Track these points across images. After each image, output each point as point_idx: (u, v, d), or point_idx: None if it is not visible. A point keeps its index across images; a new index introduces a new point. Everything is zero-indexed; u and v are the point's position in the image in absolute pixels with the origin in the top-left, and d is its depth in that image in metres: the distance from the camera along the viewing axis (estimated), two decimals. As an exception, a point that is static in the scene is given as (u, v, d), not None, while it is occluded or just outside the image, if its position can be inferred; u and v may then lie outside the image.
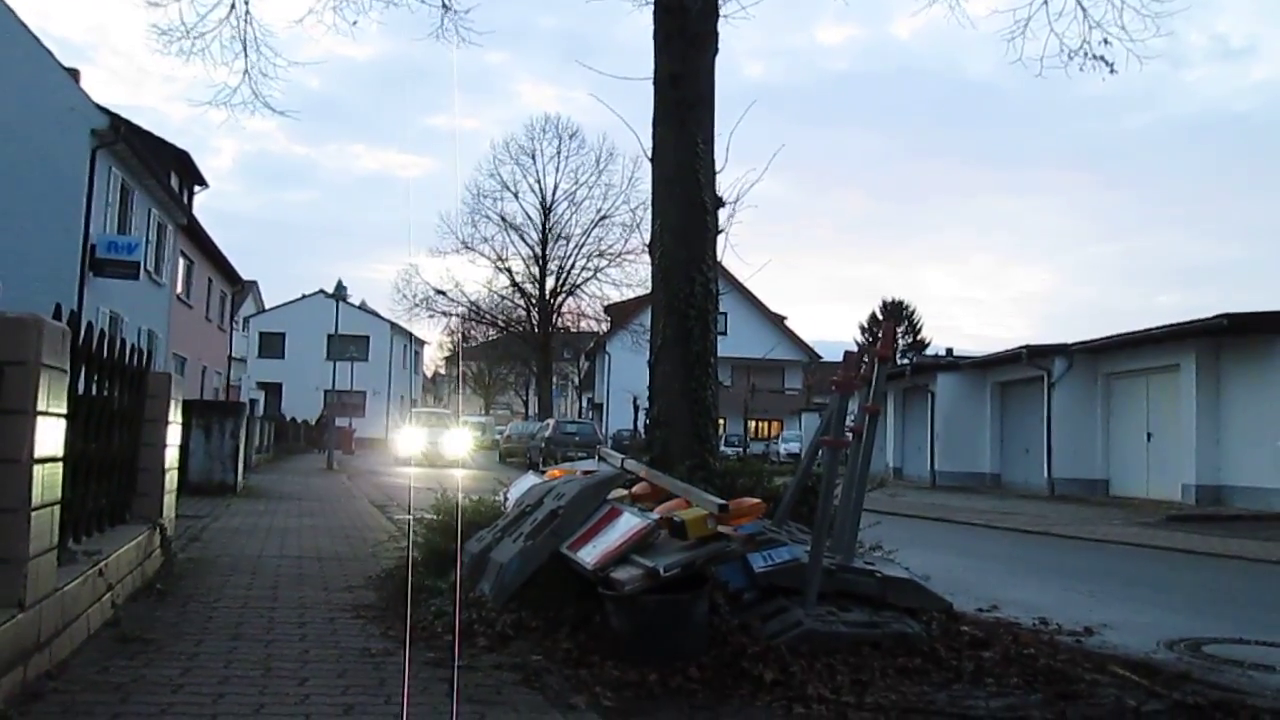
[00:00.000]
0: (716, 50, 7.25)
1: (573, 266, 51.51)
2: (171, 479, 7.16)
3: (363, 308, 61.97)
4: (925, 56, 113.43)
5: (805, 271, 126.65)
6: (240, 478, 16.15)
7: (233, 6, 9.72)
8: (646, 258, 7.51)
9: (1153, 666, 4.98)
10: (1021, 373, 25.13)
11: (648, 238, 7.39)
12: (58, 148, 20.17)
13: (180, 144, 29.93)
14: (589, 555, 5.00)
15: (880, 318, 65.02)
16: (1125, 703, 4.17)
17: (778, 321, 59.26)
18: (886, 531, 6.54)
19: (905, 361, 33.30)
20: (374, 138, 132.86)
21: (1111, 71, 8.80)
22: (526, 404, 77.17)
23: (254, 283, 59.50)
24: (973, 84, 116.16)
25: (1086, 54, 8.89)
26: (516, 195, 51.22)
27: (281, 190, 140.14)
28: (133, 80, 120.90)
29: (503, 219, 50.80)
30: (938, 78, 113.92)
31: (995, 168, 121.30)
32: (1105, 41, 8.83)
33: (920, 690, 4.30)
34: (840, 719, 3.89)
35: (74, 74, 22.24)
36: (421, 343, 70.17)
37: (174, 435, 7.10)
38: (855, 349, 6.08)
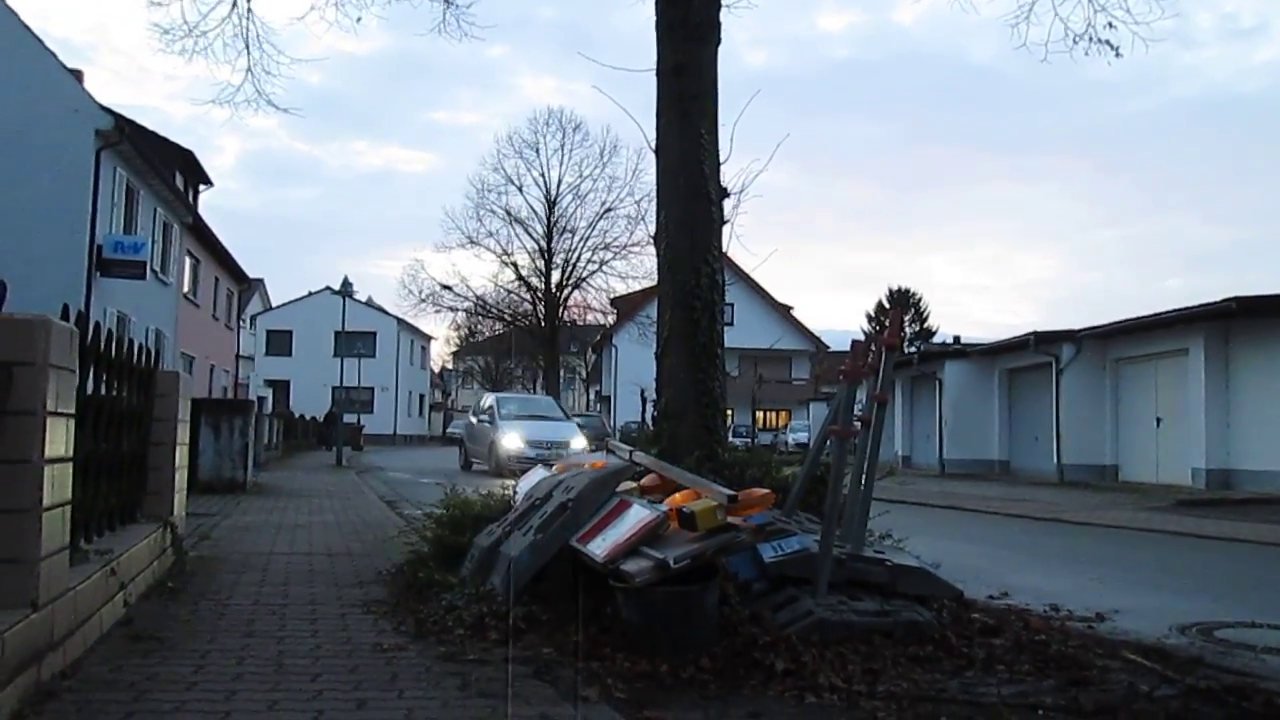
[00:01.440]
0: (719, 40, 7.23)
1: (578, 259, 51.52)
2: (181, 477, 7.18)
3: (369, 304, 62.12)
4: (928, 42, 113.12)
5: (811, 261, 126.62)
6: (250, 475, 16.19)
7: (234, 4, 9.76)
8: (652, 250, 7.52)
9: (1165, 651, 4.97)
10: (1030, 359, 25.09)
11: (653, 229, 7.38)
12: (62, 149, 20.24)
13: (183, 143, 29.95)
14: (599, 548, 5.00)
15: (887, 306, 64.96)
16: (1138, 688, 4.16)
17: (784, 311, 59.25)
18: (896, 520, 6.53)
19: (913, 350, 33.27)
20: (377, 133, 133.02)
21: (1117, 55, 8.80)
22: (534, 398, 77.20)
23: (260, 281, 59.65)
24: (976, 70, 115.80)
25: (1091, 38, 8.88)
26: (521, 189, 51.23)
27: (285, 187, 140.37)
28: (133, 80, 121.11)
29: (507, 213, 50.81)
30: (940, 64, 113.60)
31: (999, 153, 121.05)
32: (1110, 25, 8.81)
33: (932, 678, 4.30)
34: (852, 708, 3.89)
35: (77, 75, 22.29)
36: (428, 338, 70.33)
37: (183, 434, 7.12)
38: (862, 338, 6.07)
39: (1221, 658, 5.04)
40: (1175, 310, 20.15)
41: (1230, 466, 18.97)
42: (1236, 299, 18.29)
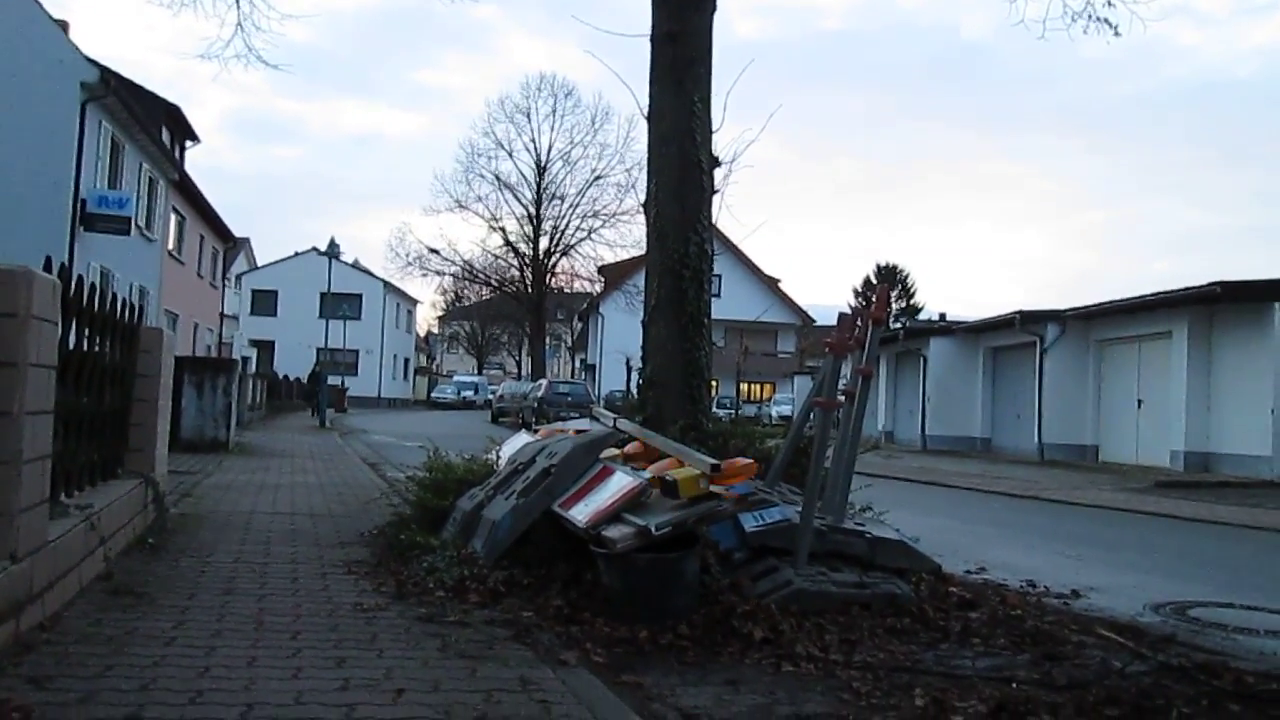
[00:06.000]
0: (714, 8, 7.17)
1: (567, 226, 51.51)
2: (164, 434, 7.15)
3: (356, 266, 61.75)
4: (921, 15, 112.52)
5: (799, 234, 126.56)
6: (232, 435, 16.15)
7: (224, -43, 9.60)
8: (641, 218, 7.50)
9: (1138, 629, 5.03)
10: (1014, 338, 25.16)
11: (643, 198, 7.35)
12: (47, 101, 19.93)
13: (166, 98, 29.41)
14: (581, 513, 5.02)
15: (874, 281, 64.99)
16: (1110, 664, 4.21)
17: (771, 284, 59.19)
18: (877, 494, 6.58)
19: (898, 326, 33.33)
20: (364, 92, 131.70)
21: (1115, 34, 8.75)
22: (519, 364, 77.28)
23: (246, 240, 59.17)
24: (969, 45, 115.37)
25: (1090, 16, 8.84)
26: (511, 154, 51.10)
27: (270, 145, 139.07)
28: (114, 31, 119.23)
29: (497, 178, 50.70)
30: (934, 37, 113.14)
31: (991, 131, 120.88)
32: (1109, 3, 8.77)
33: (908, 649, 4.35)
34: (828, 677, 3.92)
35: (63, 26, 21.95)
36: (414, 302, 70.08)
37: (166, 391, 7.08)
38: (849, 312, 6.08)
39: (1194, 636, 5.10)
40: (1160, 293, 20.22)
41: (1209, 450, 19.11)
42: (1221, 283, 18.35)
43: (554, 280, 53.99)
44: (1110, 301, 22.16)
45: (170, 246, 28.92)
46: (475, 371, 78.97)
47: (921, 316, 53.94)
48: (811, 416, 6.08)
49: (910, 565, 5.32)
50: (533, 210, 51.28)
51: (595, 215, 50.41)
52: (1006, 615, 5.01)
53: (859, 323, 5.90)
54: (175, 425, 12.67)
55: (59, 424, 4.23)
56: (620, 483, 5.14)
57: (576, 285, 56.92)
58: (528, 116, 51.12)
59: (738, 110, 7.27)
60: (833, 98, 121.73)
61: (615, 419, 6.74)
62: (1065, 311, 23.62)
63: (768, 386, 56.38)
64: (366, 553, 6.09)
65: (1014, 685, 3.85)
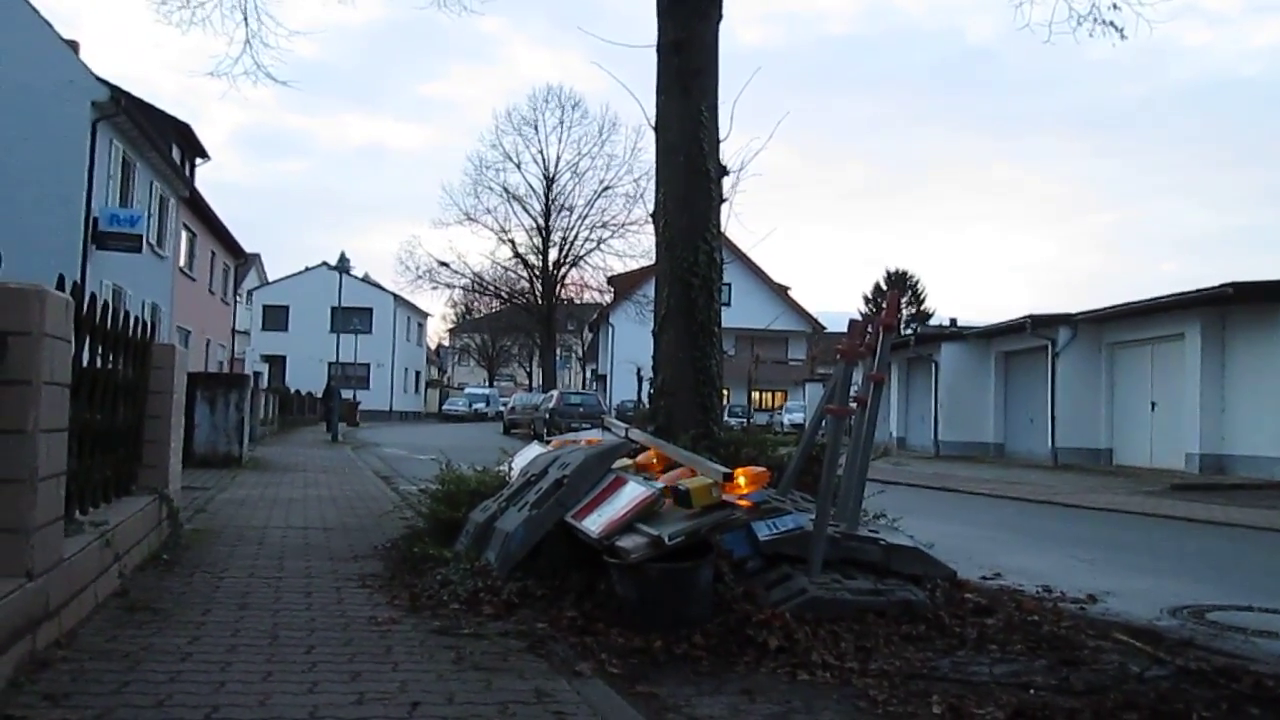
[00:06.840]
0: (720, 16, 7.19)
1: (576, 237, 51.55)
2: (177, 450, 7.17)
3: (366, 280, 61.95)
4: (926, 20, 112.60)
5: (808, 241, 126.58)
6: (245, 450, 16.19)
7: (232, -25, 9.67)
8: (650, 228, 7.50)
9: (1156, 633, 5.00)
10: (1026, 342, 25.09)
11: (651, 208, 7.36)
12: (58, 120, 20.08)
13: (174, 115, 29.57)
14: (594, 524, 5.01)
15: (884, 288, 64.95)
16: (1128, 669, 4.19)
17: (781, 292, 59.13)
18: (890, 500, 6.56)
19: (909, 332, 33.25)
20: (370, 106, 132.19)
21: (1121, 37, 8.74)
22: (530, 376, 77.34)
23: (256, 255, 59.37)
24: (974, 49, 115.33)
25: (1095, 19, 8.83)
26: (519, 166, 51.22)
27: (278, 161, 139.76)
28: (121, 49, 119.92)
29: (505, 190, 50.80)
30: (938, 42, 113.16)
31: (997, 134, 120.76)
32: (1114, 6, 8.75)
33: (924, 656, 4.32)
34: (844, 685, 3.91)
35: (73, 46, 22.11)
36: (425, 315, 70.24)
37: (179, 407, 7.11)
38: (859, 319, 6.07)
39: (1212, 640, 5.06)
40: (1172, 295, 20.13)
41: (1224, 452, 19.00)
42: (1234, 284, 18.26)
43: (564, 291, 54.02)
44: (1122, 304, 22.08)
45: (181, 263, 29.08)
46: (486, 383, 79.07)
47: (932, 322, 53.85)
48: (823, 424, 6.07)
49: (925, 572, 5.30)
50: (541, 222, 51.37)
51: (604, 226, 50.48)
52: (1023, 621, 4.98)
53: (870, 329, 5.89)
54: (188, 441, 12.73)
55: (73, 441, 4.25)
56: (633, 493, 5.13)
57: (586, 296, 56.94)
58: (535, 128, 51.30)
59: (745, 118, 7.29)
60: (839, 103, 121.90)
61: (627, 429, 6.73)
62: (1076, 315, 23.55)
63: (779, 394, 56.31)
64: (380, 566, 6.09)
65: (1031, 691, 3.83)
